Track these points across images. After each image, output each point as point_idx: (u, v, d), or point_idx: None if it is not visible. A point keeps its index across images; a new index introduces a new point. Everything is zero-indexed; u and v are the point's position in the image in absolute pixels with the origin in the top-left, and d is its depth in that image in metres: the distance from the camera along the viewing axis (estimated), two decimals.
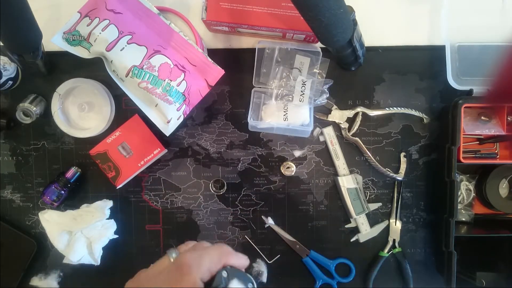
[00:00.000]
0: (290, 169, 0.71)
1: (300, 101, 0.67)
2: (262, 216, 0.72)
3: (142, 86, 0.59)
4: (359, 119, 0.71)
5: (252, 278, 0.32)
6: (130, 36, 0.60)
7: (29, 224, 0.73)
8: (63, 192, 0.69)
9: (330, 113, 0.71)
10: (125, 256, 0.73)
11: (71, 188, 0.71)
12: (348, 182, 0.70)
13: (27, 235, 0.72)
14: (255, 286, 0.32)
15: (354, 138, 0.71)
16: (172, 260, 0.34)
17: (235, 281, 0.29)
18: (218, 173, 0.73)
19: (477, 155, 0.70)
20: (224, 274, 0.32)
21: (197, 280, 0.31)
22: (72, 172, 0.70)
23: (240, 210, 0.73)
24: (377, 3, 0.71)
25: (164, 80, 0.60)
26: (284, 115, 0.68)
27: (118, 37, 0.59)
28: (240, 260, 0.35)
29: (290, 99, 0.67)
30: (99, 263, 0.70)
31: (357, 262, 0.72)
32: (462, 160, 0.66)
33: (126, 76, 0.59)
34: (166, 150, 0.71)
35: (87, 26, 0.59)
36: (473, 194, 0.71)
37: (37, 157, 0.72)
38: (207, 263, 0.32)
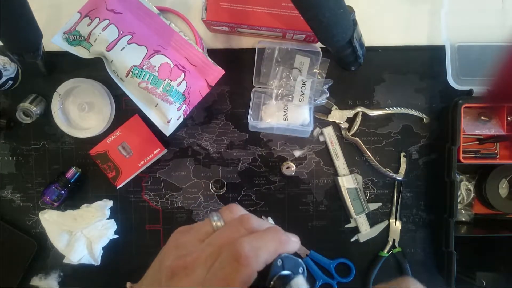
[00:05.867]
0: (290, 169, 0.71)
1: (300, 101, 0.67)
2: (262, 216, 0.72)
3: (142, 86, 0.59)
4: (359, 119, 0.71)
5: (302, 262, 0.32)
6: (130, 36, 0.60)
7: (29, 224, 0.73)
8: (63, 192, 0.69)
9: (330, 113, 0.71)
10: (125, 256, 0.73)
11: (71, 188, 0.70)
12: (348, 182, 0.70)
13: (27, 235, 0.72)
14: (305, 269, 0.31)
15: (354, 138, 0.71)
16: (214, 227, 0.32)
17: (296, 281, 0.29)
18: (218, 173, 0.73)
19: (477, 155, 0.70)
20: (279, 262, 0.31)
21: (254, 272, 0.29)
22: (72, 172, 0.70)
23: None
24: (377, 3, 0.71)
25: (164, 80, 0.60)
26: (284, 115, 0.68)
27: (118, 37, 0.59)
28: (294, 245, 0.33)
29: (290, 99, 0.67)
30: (99, 263, 0.70)
31: (357, 262, 0.72)
32: (462, 160, 0.66)
33: (126, 76, 0.59)
34: (166, 150, 0.71)
35: (87, 26, 0.59)
36: (473, 194, 0.71)
37: (37, 157, 0.72)
38: (265, 256, 0.30)
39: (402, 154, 0.71)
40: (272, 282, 0.29)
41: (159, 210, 0.73)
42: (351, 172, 0.72)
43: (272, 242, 0.31)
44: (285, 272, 0.30)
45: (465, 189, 0.71)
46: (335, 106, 0.71)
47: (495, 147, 0.71)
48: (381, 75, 0.71)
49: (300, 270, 0.29)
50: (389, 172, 0.71)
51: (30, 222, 0.73)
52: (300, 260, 0.31)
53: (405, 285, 0.32)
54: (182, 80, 0.62)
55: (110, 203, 0.71)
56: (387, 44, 0.71)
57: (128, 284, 0.37)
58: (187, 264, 0.31)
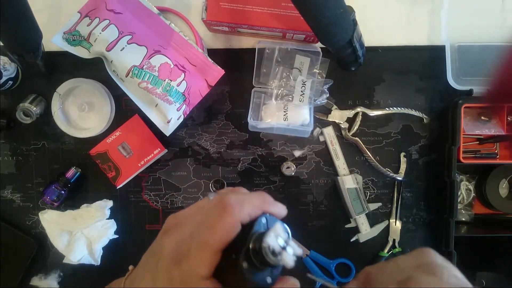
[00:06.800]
0: (290, 169, 0.71)
1: (300, 101, 0.67)
2: None
3: (142, 86, 0.59)
4: (359, 119, 0.71)
5: (287, 228, 0.33)
6: (130, 36, 0.60)
7: (29, 224, 0.73)
8: (63, 192, 0.69)
9: (330, 113, 0.71)
10: (125, 256, 0.73)
11: (71, 188, 0.70)
12: (348, 182, 0.70)
13: (27, 235, 0.72)
14: (290, 235, 0.32)
15: (354, 138, 0.71)
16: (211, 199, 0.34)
17: (274, 228, 0.29)
18: (218, 173, 0.73)
19: (477, 155, 0.70)
20: (264, 220, 0.32)
21: (237, 221, 0.31)
22: (72, 172, 0.70)
23: None
24: (377, 3, 0.71)
25: (164, 80, 0.60)
26: (284, 115, 0.68)
27: (118, 37, 0.59)
28: (280, 209, 0.35)
29: (290, 99, 0.67)
30: (99, 263, 0.70)
31: (357, 262, 0.72)
32: (462, 160, 0.66)
33: (126, 76, 0.59)
34: (166, 150, 0.71)
35: (87, 26, 0.59)
36: (473, 194, 0.71)
37: (37, 157, 0.72)
38: (248, 208, 0.32)
39: (402, 154, 0.71)
40: (253, 238, 0.30)
41: (159, 210, 0.73)
42: (351, 172, 0.72)
43: (257, 197, 0.33)
44: (260, 230, 0.31)
45: (465, 189, 0.71)
46: (335, 106, 0.71)
47: (495, 147, 0.71)
48: (381, 75, 0.71)
49: (286, 235, 0.30)
50: (389, 172, 0.71)
51: (30, 222, 0.73)
52: (286, 226, 0.32)
53: (417, 261, 0.32)
54: (182, 80, 0.62)
55: (110, 203, 0.71)
56: (387, 44, 0.71)
57: (130, 267, 0.39)
58: (179, 221, 0.34)
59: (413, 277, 0.30)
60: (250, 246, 0.30)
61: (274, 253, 0.29)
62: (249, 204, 0.32)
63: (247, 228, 0.31)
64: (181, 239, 0.32)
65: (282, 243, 0.29)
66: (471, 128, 0.68)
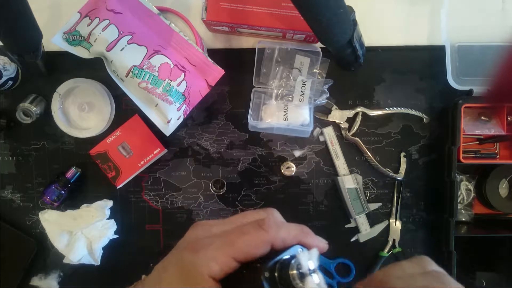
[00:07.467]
0: (290, 169, 0.71)
1: (300, 101, 0.67)
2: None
3: (142, 86, 0.59)
4: (359, 119, 0.71)
5: (318, 261, 0.31)
6: (130, 36, 0.60)
7: (29, 224, 0.73)
8: (63, 192, 0.69)
9: (330, 113, 0.71)
10: (125, 256, 0.73)
11: (71, 188, 0.70)
12: (348, 182, 0.70)
13: (27, 235, 0.72)
14: (319, 270, 0.31)
15: (354, 138, 0.71)
16: None
17: (311, 251, 0.28)
18: (218, 173, 0.73)
19: (477, 155, 0.70)
20: (298, 249, 0.31)
21: (269, 242, 0.30)
22: (72, 172, 0.70)
23: (240, 210, 0.73)
24: (377, 3, 0.71)
25: (164, 80, 0.60)
26: (284, 115, 0.68)
27: (118, 37, 0.59)
28: (319, 243, 0.34)
29: (290, 99, 0.67)
30: (99, 263, 0.70)
31: (357, 262, 0.72)
32: (462, 160, 0.66)
33: (126, 76, 0.59)
34: (166, 150, 0.71)
35: (87, 26, 0.59)
36: (473, 194, 0.71)
37: (37, 157, 0.72)
38: (284, 233, 0.31)
39: (402, 154, 0.71)
40: (283, 258, 0.29)
41: (159, 210, 0.73)
42: (351, 172, 0.72)
43: (295, 228, 0.33)
44: (287, 257, 0.30)
45: (465, 189, 0.71)
46: (335, 106, 0.71)
47: (495, 147, 0.71)
48: (381, 75, 0.71)
49: (312, 265, 0.29)
50: (389, 172, 0.71)
51: (30, 222, 0.73)
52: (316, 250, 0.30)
53: (421, 268, 0.33)
54: (182, 80, 0.62)
55: (110, 203, 0.71)
56: (387, 44, 0.71)
57: (143, 276, 0.38)
58: (208, 223, 0.33)
59: (427, 286, 0.31)
60: (278, 264, 0.29)
61: (299, 272, 0.27)
62: (287, 230, 0.31)
63: (276, 253, 0.30)
64: (207, 234, 0.31)
65: (312, 267, 0.28)
66: (471, 128, 0.68)
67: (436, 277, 0.32)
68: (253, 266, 0.29)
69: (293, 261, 0.28)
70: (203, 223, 0.33)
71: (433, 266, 0.34)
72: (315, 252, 0.29)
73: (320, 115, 0.71)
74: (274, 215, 0.34)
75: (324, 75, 0.69)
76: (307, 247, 0.32)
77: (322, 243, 0.34)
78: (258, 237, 0.30)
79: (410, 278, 0.32)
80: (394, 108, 0.70)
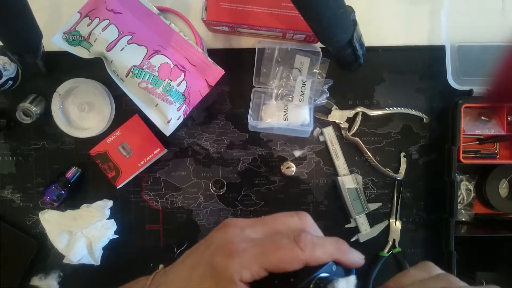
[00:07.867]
0: (290, 169, 0.71)
1: (300, 101, 0.67)
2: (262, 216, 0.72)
3: (142, 86, 0.59)
4: (359, 119, 0.71)
5: (355, 280, 0.31)
6: (130, 36, 0.60)
7: (29, 224, 0.73)
8: (63, 192, 0.69)
9: (330, 113, 0.71)
10: (125, 256, 0.73)
11: (71, 188, 0.71)
12: (348, 182, 0.70)
13: (27, 235, 0.72)
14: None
15: (354, 138, 0.71)
16: None
17: (349, 277, 0.28)
18: (218, 173, 0.73)
19: (477, 155, 0.70)
20: (333, 267, 0.31)
21: (303, 261, 0.30)
22: (72, 172, 0.70)
23: (240, 210, 0.73)
24: (377, 3, 0.71)
25: (164, 80, 0.60)
26: (284, 115, 0.68)
27: (118, 37, 0.59)
28: (356, 257, 0.34)
29: (290, 99, 0.67)
30: (99, 263, 0.70)
31: None
32: (462, 160, 0.66)
33: (126, 76, 0.59)
34: (166, 150, 0.71)
35: (87, 26, 0.59)
36: (473, 194, 0.71)
37: (37, 157, 0.72)
38: (319, 253, 0.31)
39: (402, 154, 0.71)
40: (317, 277, 0.29)
41: (159, 210, 0.73)
42: (351, 172, 0.72)
43: (331, 245, 0.32)
44: (325, 274, 0.30)
45: (465, 189, 0.71)
46: (335, 106, 0.71)
47: (495, 147, 0.71)
48: (381, 75, 0.71)
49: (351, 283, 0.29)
50: (389, 172, 0.71)
51: (30, 222, 0.73)
52: (355, 278, 0.31)
53: (428, 273, 0.33)
54: (182, 80, 0.62)
55: (110, 203, 0.71)
56: (387, 44, 0.71)
57: (161, 266, 0.38)
58: (238, 223, 0.33)
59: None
60: (313, 283, 0.29)
61: None
62: (323, 249, 0.31)
63: (309, 269, 0.30)
64: (240, 238, 0.31)
65: None
66: (471, 128, 0.68)
67: (444, 280, 0.33)
68: (286, 278, 0.29)
69: (329, 285, 0.28)
70: (234, 223, 0.33)
71: (437, 270, 0.34)
72: (353, 280, 0.29)
73: (320, 115, 0.71)
74: (309, 226, 0.34)
75: (324, 75, 0.69)
76: (342, 265, 0.32)
77: (358, 259, 0.33)
78: (293, 255, 0.29)
79: (422, 283, 0.33)
80: (394, 108, 0.70)
